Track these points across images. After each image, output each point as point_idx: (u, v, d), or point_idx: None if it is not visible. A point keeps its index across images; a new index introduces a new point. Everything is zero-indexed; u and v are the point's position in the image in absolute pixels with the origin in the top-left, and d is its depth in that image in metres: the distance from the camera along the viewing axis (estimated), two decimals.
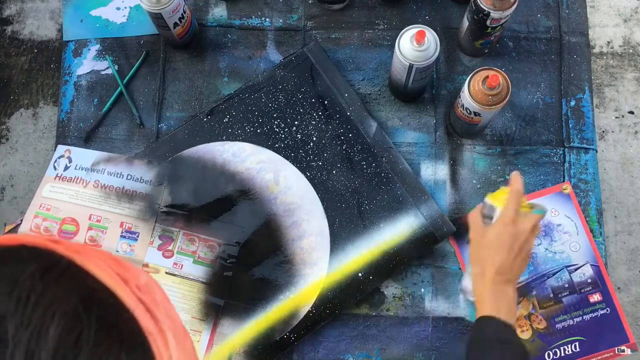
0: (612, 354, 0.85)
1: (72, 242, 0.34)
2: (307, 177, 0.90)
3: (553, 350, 0.85)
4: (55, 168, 0.90)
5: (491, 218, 0.74)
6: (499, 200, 0.73)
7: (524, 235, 0.70)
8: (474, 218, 0.75)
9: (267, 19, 0.98)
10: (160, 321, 0.33)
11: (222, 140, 0.91)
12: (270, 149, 0.91)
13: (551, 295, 0.87)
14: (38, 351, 0.27)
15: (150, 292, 0.35)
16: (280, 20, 0.98)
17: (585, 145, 0.93)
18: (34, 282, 0.29)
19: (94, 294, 0.31)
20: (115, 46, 0.98)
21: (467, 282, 0.75)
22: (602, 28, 1.71)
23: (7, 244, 0.32)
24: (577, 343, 0.86)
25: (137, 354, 0.31)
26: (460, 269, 0.88)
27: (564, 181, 0.91)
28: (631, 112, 1.65)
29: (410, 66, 0.81)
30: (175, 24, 0.89)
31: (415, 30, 0.79)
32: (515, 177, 0.74)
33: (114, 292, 0.32)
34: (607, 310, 0.87)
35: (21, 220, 0.89)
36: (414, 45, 0.79)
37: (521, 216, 0.71)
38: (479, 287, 0.71)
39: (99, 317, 0.30)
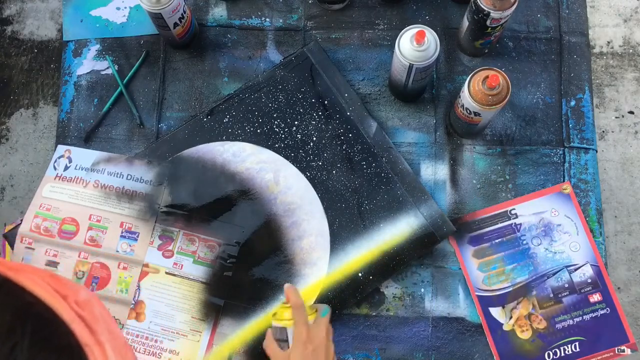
0: (612, 354, 0.85)
1: (9, 261, 0.35)
2: (307, 177, 0.90)
3: (553, 350, 0.85)
4: (55, 168, 0.90)
5: (286, 340, 0.71)
6: (283, 319, 0.71)
7: (323, 344, 0.69)
8: (270, 348, 0.72)
9: (267, 19, 0.98)
10: (98, 334, 0.34)
11: (222, 140, 0.91)
12: (270, 149, 0.91)
13: (551, 295, 0.87)
14: None
15: (90, 307, 0.35)
16: (280, 20, 0.98)
17: (585, 145, 0.93)
18: None
19: (30, 309, 0.32)
20: (115, 46, 0.98)
21: None
22: (602, 28, 1.71)
23: None
24: (577, 343, 0.86)
25: None
26: (460, 269, 0.88)
27: (564, 181, 0.91)
28: (631, 112, 1.65)
29: (410, 66, 0.81)
30: (175, 24, 0.89)
31: (415, 30, 0.79)
32: (290, 291, 0.72)
33: (51, 307, 0.33)
34: (607, 310, 0.87)
35: (21, 220, 0.89)
36: (414, 45, 0.79)
37: (313, 327, 0.70)
38: None
39: (34, 330, 0.30)
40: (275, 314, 0.73)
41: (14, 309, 0.31)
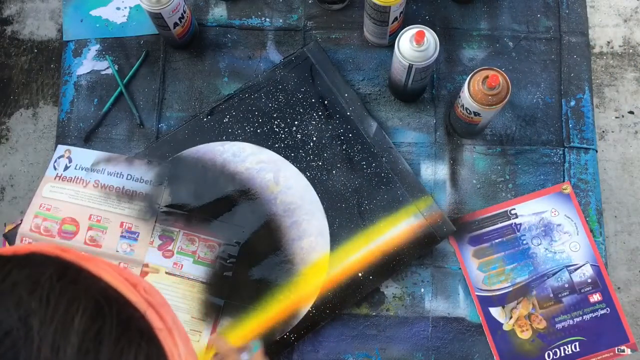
0: (612, 354, 0.85)
1: (80, 252, 0.36)
2: (307, 177, 0.90)
3: (553, 350, 0.85)
4: (55, 168, 0.90)
5: None
6: None
7: None
8: None
9: (267, 19, 0.98)
10: (166, 320, 0.35)
11: (222, 140, 0.91)
12: (270, 149, 0.91)
13: (551, 295, 0.87)
14: (63, 345, 0.29)
15: (154, 295, 0.37)
16: (280, 20, 0.98)
17: (585, 145, 0.93)
18: (53, 283, 0.31)
19: (108, 294, 0.33)
20: (115, 46, 0.98)
21: None
22: (602, 28, 1.71)
23: (19, 252, 0.33)
24: (577, 343, 0.86)
25: (152, 347, 0.33)
26: (460, 269, 0.88)
27: (564, 181, 0.91)
28: (631, 112, 1.65)
29: (410, 66, 0.81)
30: (175, 24, 0.89)
31: (415, 30, 0.79)
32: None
33: (124, 295, 0.34)
34: (607, 310, 0.87)
35: (21, 220, 0.89)
36: (414, 46, 0.79)
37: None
38: None
39: (117, 312, 0.31)
40: None
41: (98, 292, 0.32)
